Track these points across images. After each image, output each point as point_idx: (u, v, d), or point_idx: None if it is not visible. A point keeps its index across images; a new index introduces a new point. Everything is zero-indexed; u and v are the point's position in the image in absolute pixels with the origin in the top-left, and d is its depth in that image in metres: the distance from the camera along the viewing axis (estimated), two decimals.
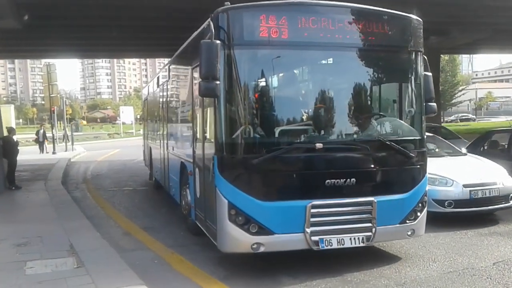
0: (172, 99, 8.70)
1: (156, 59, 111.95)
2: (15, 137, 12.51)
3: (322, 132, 5.21)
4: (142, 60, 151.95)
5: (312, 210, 4.90)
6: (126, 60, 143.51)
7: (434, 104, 5.77)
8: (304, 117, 5.30)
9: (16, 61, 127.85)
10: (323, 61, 5.62)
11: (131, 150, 24.15)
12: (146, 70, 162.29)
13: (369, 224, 5.10)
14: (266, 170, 4.87)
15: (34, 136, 26.02)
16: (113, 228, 7.61)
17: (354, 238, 5.04)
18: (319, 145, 4.89)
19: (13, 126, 19.38)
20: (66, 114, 34.11)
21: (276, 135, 5.03)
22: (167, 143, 8.97)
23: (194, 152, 6.17)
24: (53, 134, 24.95)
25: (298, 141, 5.12)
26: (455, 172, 7.43)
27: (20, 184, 11.70)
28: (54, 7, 13.57)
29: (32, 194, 10.74)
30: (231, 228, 4.84)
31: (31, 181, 13.06)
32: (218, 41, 4.65)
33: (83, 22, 15.64)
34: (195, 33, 6.11)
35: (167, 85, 9.11)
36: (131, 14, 14.83)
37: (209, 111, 5.33)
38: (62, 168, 16.47)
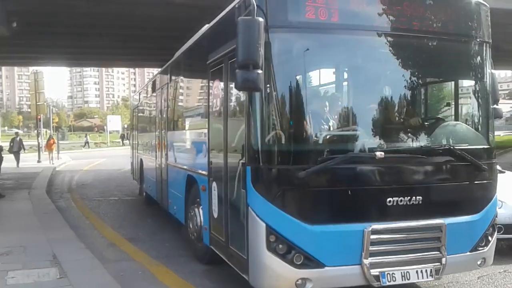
0: (175, 104, 7.81)
1: (145, 68, 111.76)
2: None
3: (382, 138, 4.29)
4: (131, 70, 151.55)
5: (372, 237, 4.00)
6: (115, 69, 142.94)
7: (500, 107, 5.12)
8: (360, 120, 4.36)
9: (3, 68, 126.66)
10: (378, 51, 4.49)
11: (117, 159, 24.03)
12: (134, 79, 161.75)
13: (438, 253, 4.23)
14: (315, 185, 3.99)
15: (9, 144, 21.62)
16: (97, 239, 7.50)
17: (421, 271, 4.17)
18: (380, 154, 3.99)
19: None
20: (53, 123, 33.79)
21: (327, 141, 4.20)
22: (166, 154, 7.98)
23: (210, 162, 5.21)
24: (38, 142, 24.69)
25: (355, 149, 4.17)
26: (502, 192, 6.32)
27: (3, 193, 11.49)
28: (43, 14, 13.54)
29: (16, 202, 10.55)
30: (270, 259, 3.89)
31: (14, 189, 12.86)
32: (261, 19, 3.71)
33: (73, 30, 15.62)
34: (218, 17, 5.17)
35: (167, 89, 8.20)
36: (121, 23, 14.85)
37: (237, 112, 4.54)
38: (46, 177, 16.26)
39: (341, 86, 4.78)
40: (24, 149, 22.55)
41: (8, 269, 5.34)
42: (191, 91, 6.97)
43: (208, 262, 5.61)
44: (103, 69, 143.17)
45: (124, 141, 48.53)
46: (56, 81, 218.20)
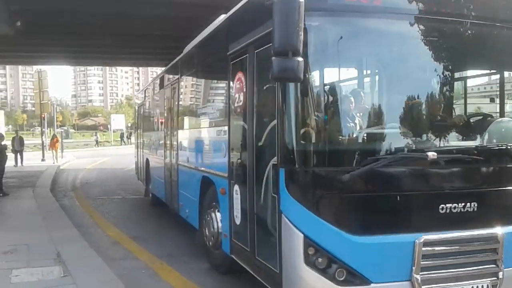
0: (187, 100, 7.40)
1: (149, 67, 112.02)
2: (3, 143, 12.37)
3: (434, 137, 3.85)
4: (135, 69, 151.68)
5: (424, 249, 3.53)
6: (119, 68, 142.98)
7: None
8: (409, 117, 3.86)
9: (7, 67, 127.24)
10: (426, 39, 3.94)
11: (121, 158, 24.12)
12: (138, 78, 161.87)
13: (494, 266, 3.73)
14: (360, 190, 3.57)
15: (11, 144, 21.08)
16: (101, 237, 7.51)
17: (477, 287, 3.70)
18: (432, 155, 3.51)
19: (3, 132, 19.12)
20: (57, 121, 33.93)
21: (373, 140, 3.75)
22: (177, 153, 7.47)
23: (231, 163, 4.77)
24: (42, 141, 24.79)
25: (404, 149, 3.70)
26: None
27: (7, 191, 11.55)
28: (47, 13, 13.56)
29: (20, 201, 10.60)
30: (308, 274, 3.45)
31: (19, 188, 12.91)
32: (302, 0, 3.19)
33: (76, 30, 15.64)
34: (243, 1, 4.64)
35: (178, 85, 7.66)
36: (125, 22, 14.85)
37: (266, 107, 4.08)
38: (50, 176, 16.32)
39: (387, 78, 4.29)
40: (23, 147, 22.05)
41: (12, 267, 5.36)
42: (206, 85, 6.47)
43: (227, 271, 5.22)
44: (107, 68, 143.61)
45: (124, 140, 49.17)
46: (60, 80, 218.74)
